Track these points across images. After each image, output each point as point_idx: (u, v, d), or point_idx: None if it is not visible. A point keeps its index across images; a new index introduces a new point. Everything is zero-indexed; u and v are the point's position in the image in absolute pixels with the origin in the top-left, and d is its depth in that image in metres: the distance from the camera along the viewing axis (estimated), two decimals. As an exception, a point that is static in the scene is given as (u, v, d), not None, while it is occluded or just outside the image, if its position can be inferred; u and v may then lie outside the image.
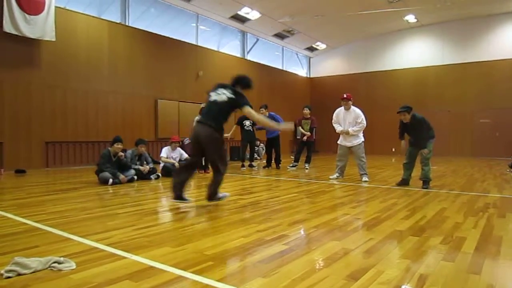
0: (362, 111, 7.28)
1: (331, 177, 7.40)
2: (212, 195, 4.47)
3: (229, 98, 4.28)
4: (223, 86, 4.42)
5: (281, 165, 9.71)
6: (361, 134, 7.29)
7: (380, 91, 17.36)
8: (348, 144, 7.27)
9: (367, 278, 2.16)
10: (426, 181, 6.12)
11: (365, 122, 7.22)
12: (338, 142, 7.43)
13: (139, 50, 11.44)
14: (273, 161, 9.77)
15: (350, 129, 7.18)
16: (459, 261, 2.47)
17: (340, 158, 7.42)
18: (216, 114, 4.28)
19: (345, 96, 7.26)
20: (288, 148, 17.58)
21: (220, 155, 4.39)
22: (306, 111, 9.53)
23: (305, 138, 9.44)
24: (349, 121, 7.22)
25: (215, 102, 4.31)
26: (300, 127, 9.55)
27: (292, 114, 17.67)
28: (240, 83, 4.50)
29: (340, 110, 7.42)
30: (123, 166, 6.63)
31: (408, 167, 6.42)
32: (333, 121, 7.50)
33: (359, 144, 7.22)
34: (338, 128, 7.37)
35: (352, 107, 7.28)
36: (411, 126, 6.22)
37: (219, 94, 4.33)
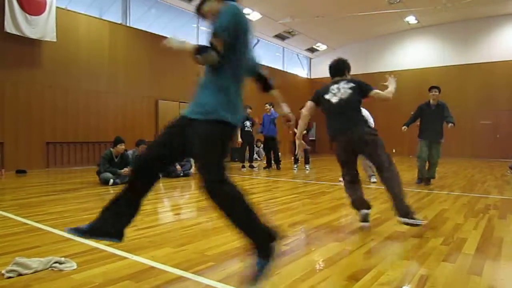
0: (369, 112, 7.19)
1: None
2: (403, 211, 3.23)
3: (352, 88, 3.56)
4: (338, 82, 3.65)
5: (282, 166, 9.71)
6: None
7: (380, 92, 17.38)
8: None
9: (367, 279, 2.16)
10: (430, 179, 6.56)
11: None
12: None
13: (139, 50, 11.45)
14: (273, 161, 9.77)
15: None
16: (459, 262, 2.47)
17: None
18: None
19: None
20: (290, 149, 17.58)
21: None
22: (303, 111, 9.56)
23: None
24: None
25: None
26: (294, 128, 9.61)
27: (292, 114, 17.67)
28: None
29: None
30: (125, 166, 6.63)
31: (424, 165, 6.52)
32: None
33: None
34: None
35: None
36: (436, 110, 6.30)
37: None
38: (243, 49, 1.99)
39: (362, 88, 3.55)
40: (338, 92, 3.56)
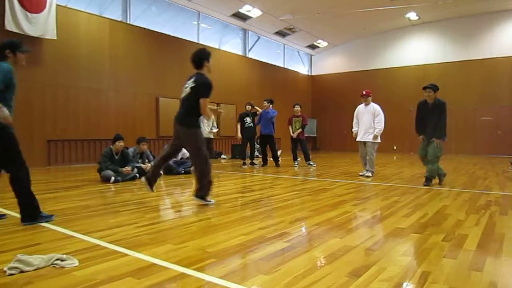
0: (381, 108, 7.31)
1: (360, 173, 7.54)
2: (198, 194, 4.42)
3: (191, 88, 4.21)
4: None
5: (283, 163, 9.70)
6: (376, 133, 7.22)
7: (381, 89, 17.30)
8: (362, 139, 7.36)
9: (369, 275, 2.16)
10: (429, 179, 6.07)
11: (383, 122, 7.20)
12: (357, 139, 7.54)
13: (140, 48, 11.44)
14: (271, 159, 9.75)
15: (368, 137, 7.24)
16: (461, 258, 2.47)
17: (362, 155, 7.53)
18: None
19: (364, 92, 7.39)
20: (289, 146, 17.56)
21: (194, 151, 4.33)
22: (297, 108, 9.59)
23: (294, 135, 9.60)
24: (367, 116, 7.30)
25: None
26: (289, 126, 9.70)
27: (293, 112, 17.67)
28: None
29: (361, 106, 7.51)
30: (126, 163, 6.64)
31: (424, 163, 6.24)
32: (354, 117, 7.61)
33: (371, 142, 7.23)
34: (353, 129, 7.54)
35: (372, 103, 7.36)
36: (433, 109, 6.01)
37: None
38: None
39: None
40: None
